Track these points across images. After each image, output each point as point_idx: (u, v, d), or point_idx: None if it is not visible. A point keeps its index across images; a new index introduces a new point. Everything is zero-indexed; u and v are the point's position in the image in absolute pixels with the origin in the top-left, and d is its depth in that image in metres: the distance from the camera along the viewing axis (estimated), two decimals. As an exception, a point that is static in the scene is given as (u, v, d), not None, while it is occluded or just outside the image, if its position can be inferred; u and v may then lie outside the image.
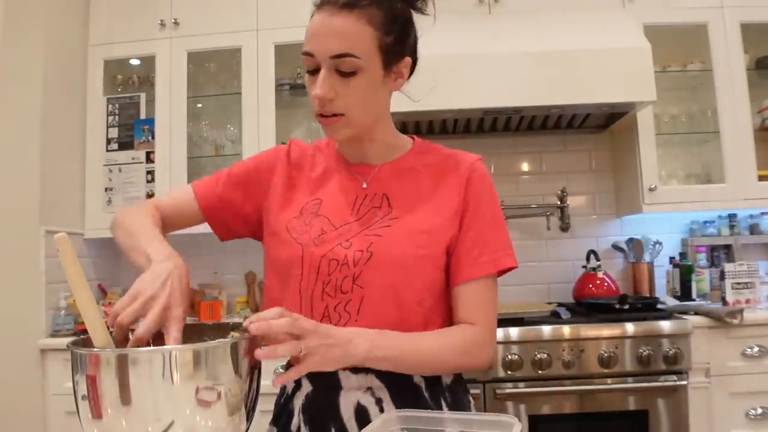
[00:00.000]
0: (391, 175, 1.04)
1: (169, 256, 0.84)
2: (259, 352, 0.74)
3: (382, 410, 0.95)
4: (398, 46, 0.96)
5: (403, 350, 0.91)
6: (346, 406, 0.95)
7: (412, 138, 1.10)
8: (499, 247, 1.02)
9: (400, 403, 0.95)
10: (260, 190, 1.07)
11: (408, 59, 0.99)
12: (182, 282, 0.80)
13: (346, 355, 0.84)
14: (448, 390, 1.01)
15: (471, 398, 1.07)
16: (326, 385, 0.95)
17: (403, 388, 0.96)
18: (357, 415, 0.95)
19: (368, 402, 0.95)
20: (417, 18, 1.02)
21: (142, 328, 0.73)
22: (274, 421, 1.03)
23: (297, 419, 0.98)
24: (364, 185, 1.03)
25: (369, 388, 0.96)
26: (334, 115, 0.94)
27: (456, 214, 1.00)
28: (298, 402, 0.99)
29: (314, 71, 0.93)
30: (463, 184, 1.01)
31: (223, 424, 0.69)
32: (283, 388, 1.05)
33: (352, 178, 1.04)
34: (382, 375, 0.95)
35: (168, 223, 1.03)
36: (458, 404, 1.02)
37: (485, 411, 2.04)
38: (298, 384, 1.00)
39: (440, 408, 0.99)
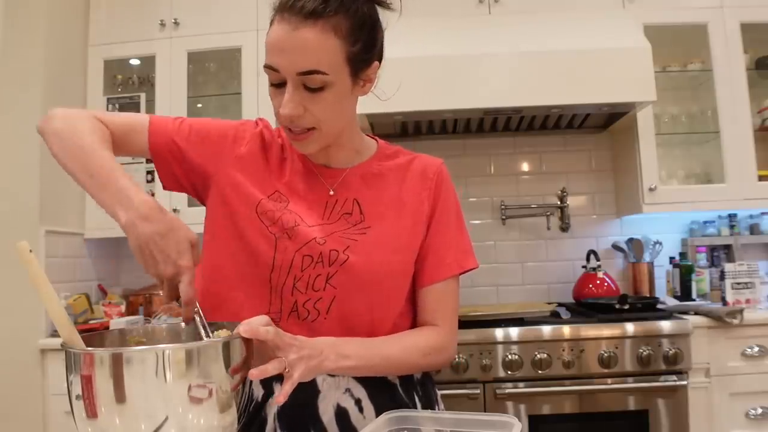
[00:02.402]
0: (360, 180, 1.02)
1: (132, 216, 0.79)
2: (252, 372, 0.75)
3: (361, 410, 0.96)
4: (366, 54, 0.92)
5: (368, 357, 0.92)
6: (325, 408, 0.95)
7: (375, 139, 1.09)
8: (463, 249, 1.04)
9: (377, 401, 0.97)
10: (218, 154, 1.00)
11: (376, 63, 0.95)
12: (160, 236, 0.78)
13: (320, 366, 0.85)
14: (419, 385, 1.04)
15: (437, 391, 1.10)
16: (303, 389, 0.92)
17: (379, 387, 0.98)
18: (337, 418, 0.95)
19: (348, 404, 0.96)
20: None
21: (165, 300, 0.80)
22: (245, 430, 1.00)
23: (272, 426, 0.96)
24: (331, 192, 1.01)
25: (347, 390, 0.96)
26: (305, 129, 0.91)
27: (427, 219, 1.02)
28: (272, 409, 0.96)
29: (279, 84, 0.89)
30: (432, 189, 1.03)
31: (214, 422, 0.70)
32: (251, 396, 1.01)
33: (318, 185, 1.01)
34: (358, 376, 0.96)
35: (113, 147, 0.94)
36: (428, 397, 1.05)
37: (485, 411, 2.04)
38: (269, 391, 0.98)
39: (414, 402, 1.01)
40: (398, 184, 1.03)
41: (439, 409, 1.07)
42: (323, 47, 0.85)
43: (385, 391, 0.98)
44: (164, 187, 1.02)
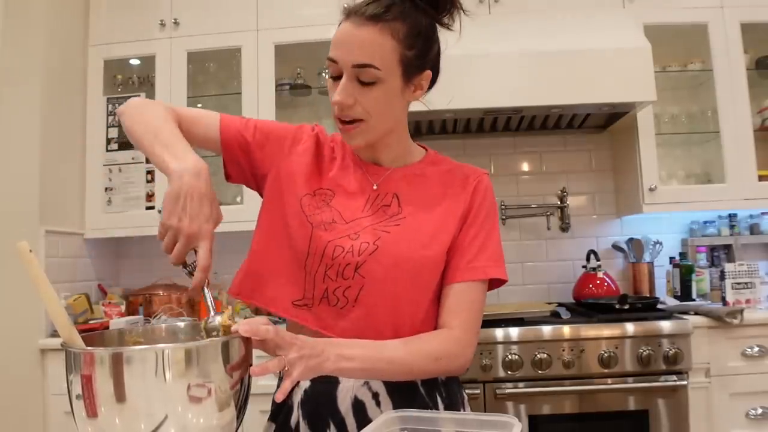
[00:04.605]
0: (402, 178, 1.07)
1: (185, 167, 0.85)
2: (254, 369, 0.77)
3: (378, 404, 0.97)
4: (419, 60, 0.99)
5: (373, 360, 0.92)
6: (343, 399, 0.97)
7: (425, 149, 1.14)
8: (493, 257, 1.04)
9: (396, 397, 0.98)
10: (278, 152, 1.08)
11: (428, 72, 1.02)
12: (200, 195, 0.83)
13: (319, 367, 0.85)
14: (443, 386, 1.04)
15: (465, 393, 1.09)
16: (324, 379, 0.95)
17: (398, 383, 0.98)
18: (354, 409, 0.97)
19: (365, 397, 0.97)
20: None
21: (172, 260, 0.82)
22: (273, 418, 1.05)
23: (296, 415, 1.00)
24: (375, 186, 1.06)
25: (366, 383, 0.98)
26: (354, 120, 0.97)
27: (460, 220, 1.04)
28: (296, 398, 1.01)
29: (337, 77, 0.97)
30: (470, 192, 1.06)
31: (213, 421, 0.71)
32: (281, 384, 1.05)
33: (363, 179, 1.06)
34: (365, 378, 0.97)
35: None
36: (453, 399, 1.04)
37: (485, 411, 2.04)
38: None
39: (436, 403, 1.01)
40: (439, 186, 1.07)
41: (464, 411, 1.06)
42: (379, 46, 0.94)
43: (405, 388, 0.99)
44: (228, 178, 1.11)
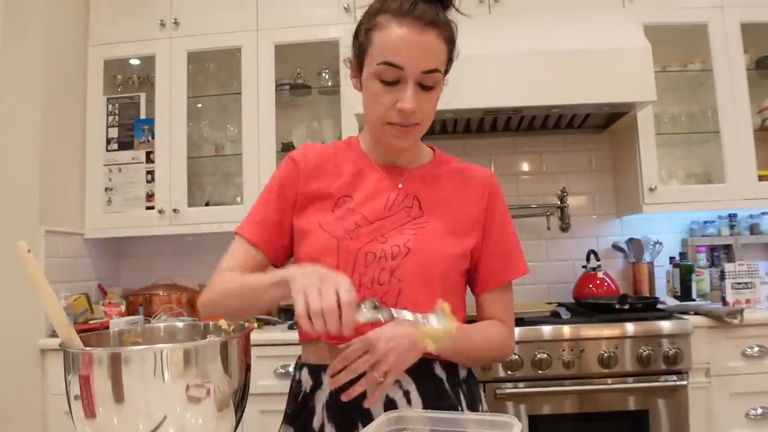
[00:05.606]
0: (420, 178, 1.10)
1: (286, 271, 0.87)
2: (343, 397, 0.84)
3: (409, 402, 0.98)
4: (451, 62, 1.04)
5: (460, 342, 0.97)
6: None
7: (432, 149, 1.16)
8: (517, 257, 1.13)
9: (425, 394, 0.99)
10: (290, 202, 1.08)
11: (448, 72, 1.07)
12: (312, 272, 0.83)
13: (417, 355, 0.91)
14: (464, 383, 1.07)
15: (481, 391, 1.13)
16: (352, 381, 0.94)
17: (427, 381, 1.00)
18: (386, 409, 0.96)
19: (396, 395, 0.98)
20: None
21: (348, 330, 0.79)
22: (290, 421, 1.04)
23: (320, 417, 0.99)
24: (400, 185, 1.08)
25: (397, 381, 0.98)
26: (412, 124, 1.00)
27: (478, 222, 1.08)
28: (320, 400, 1.00)
29: (392, 82, 0.97)
30: (486, 195, 1.10)
31: (212, 421, 0.71)
32: (299, 387, 1.05)
33: (387, 178, 1.08)
34: (408, 368, 0.97)
35: None
36: (473, 396, 1.07)
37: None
38: (317, 382, 1.01)
39: (460, 400, 1.04)
40: (454, 186, 1.10)
41: (482, 410, 1.09)
42: (440, 50, 0.98)
43: (432, 384, 1.01)
44: (277, 265, 1.10)
